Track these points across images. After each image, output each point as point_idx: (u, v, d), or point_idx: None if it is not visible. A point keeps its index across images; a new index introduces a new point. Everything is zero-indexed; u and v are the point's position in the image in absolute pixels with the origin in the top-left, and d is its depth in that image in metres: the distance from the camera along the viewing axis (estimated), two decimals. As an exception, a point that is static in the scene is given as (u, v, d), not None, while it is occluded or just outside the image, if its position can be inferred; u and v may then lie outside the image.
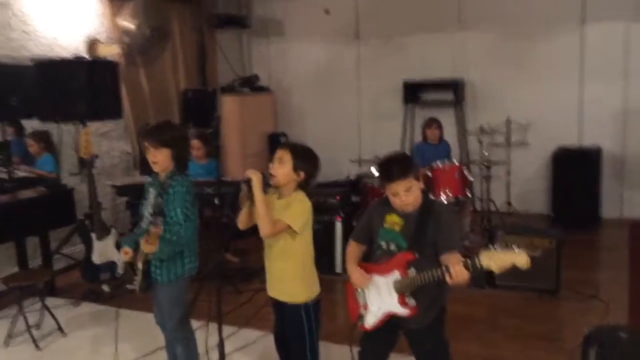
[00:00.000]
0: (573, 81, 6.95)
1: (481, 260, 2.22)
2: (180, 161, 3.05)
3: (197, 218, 3.13)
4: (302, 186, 2.79)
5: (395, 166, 2.50)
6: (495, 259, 2.19)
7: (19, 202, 4.75)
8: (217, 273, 2.68)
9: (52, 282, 4.95)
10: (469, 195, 5.58)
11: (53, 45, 5.69)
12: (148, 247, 2.77)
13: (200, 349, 3.21)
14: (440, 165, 5.53)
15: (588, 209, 6.52)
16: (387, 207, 2.61)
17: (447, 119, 7.20)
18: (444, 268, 2.31)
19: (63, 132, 5.58)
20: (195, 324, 3.21)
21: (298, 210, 2.73)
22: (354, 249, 2.74)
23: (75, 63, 4.88)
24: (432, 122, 6.17)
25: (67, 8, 5.80)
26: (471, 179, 5.64)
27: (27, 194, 4.85)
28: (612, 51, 6.69)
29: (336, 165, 7.44)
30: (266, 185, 2.72)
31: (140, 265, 2.95)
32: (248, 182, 2.68)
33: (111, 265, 4.82)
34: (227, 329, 4.14)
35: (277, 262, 2.83)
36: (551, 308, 4.44)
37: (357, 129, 8.20)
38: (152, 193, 3.06)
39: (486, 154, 6.06)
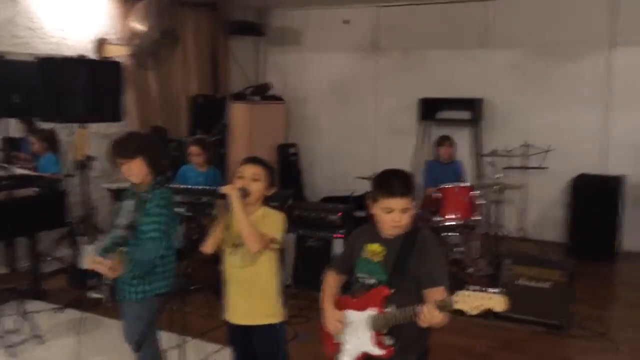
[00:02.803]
0: (598, 107, 6.67)
1: (454, 301, 1.99)
2: (156, 167, 2.90)
3: (175, 232, 2.98)
4: (268, 200, 2.70)
5: (397, 181, 2.26)
6: (469, 301, 1.96)
7: (10, 201, 4.65)
8: (181, 292, 2.49)
9: (37, 285, 4.82)
10: (478, 218, 5.30)
11: (60, 44, 5.61)
12: (111, 273, 2.64)
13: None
14: (449, 186, 5.29)
15: (607, 240, 6.20)
16: (368, 235, 2.39)
17: (463, 138, 6.97)
18: (416, 308, 2.08)
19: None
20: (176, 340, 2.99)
21: (277, 222, 2.64)
22: (332, 281, 2.51)
23: (77, 62, 4.80)
24: (445, 140, 5.95)
25: (76, 6, 5.73)
26: (481, 202, 5.37)
27: (19, 193, 4.74)
28: (640, 77, 6.40)
29: (346, 181, 7.25)
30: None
31: (106, 278, 2.80)
32: (224, 197, 2.51)
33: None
34: (208, 347, 4.01)
35: (253, 282, 2.66)
36: (557, 345, 4.15)
37: (371, 144, 7.98)
38: (128, 204, 2.92)
39: (498, 176, 5.78)
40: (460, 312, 2.00)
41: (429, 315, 2.03)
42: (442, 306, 2.02)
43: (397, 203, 2.23)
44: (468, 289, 1.98)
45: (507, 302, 1.92)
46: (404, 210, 2.24)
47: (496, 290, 1.95)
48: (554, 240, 6.70)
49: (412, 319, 2.09)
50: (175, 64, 6.80)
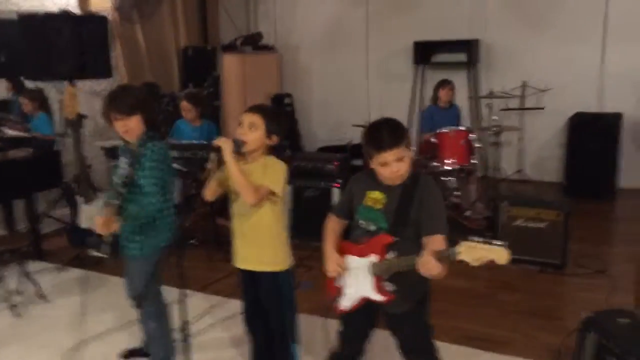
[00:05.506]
0: (595, 44, 6.56)
1: (458, 251, 1.99)
2: (151, 123, 2.85)
3: (173, 186, 2.96)
4: (272, 150, 2.63)
5: (386, 133, 2.22)
6: (473, 252, 1.96)
7: (6, 163, 4.62)
8: (180, 246, 2.48)
9: (38, 246, 4.84)
10: (475, 162, 5.29)
11: (44, -1, 5.45)
12: (105, 229, 2.62)
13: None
14: (445, 131, 5.25)
15: (604, 178, 6.22)
16: (368, 182, 2.37)
17: (459, 82, 6.85)
18: (416, 258, 2.09)
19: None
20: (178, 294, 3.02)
21: (277, 174, 2.59)
22: (334, 225, 2.51)
23: (60, 17, 4.60)
24: (446, 84, 5.84)
25: (57, -41, 5.54)
26: (478, 145, 5.34)
27: (13, 154, 4.71)
28: (639, 12, 6.24)
29: (342, 129, 7.22)
30: (236, 153, 2.51)
31: (106, 235, 2.79)
32: (218, 150, 2.47)
33: (99, 230, 4.67)
34: (212, 299, 4.07)
35: (257, 231, 2.65)
36: (555, 284, 4.21)
37: (365, 90, 7.89)
38: (123, 161, 2.88)
39: (495, 118, 5.74)
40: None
41: (426, 265, 2.03)
42: (444, 257, 2.02)
43: (390, 155, 2.20)
44: (472, 240, 1.97)
45: (510, 254, 1.92)
46: (399, 159, 2.21)
47: (499, 242, 1.94)
48: (552, 181, 6.72)
49: (414, 267, 2.10)
50: (163, 15, 6.63)
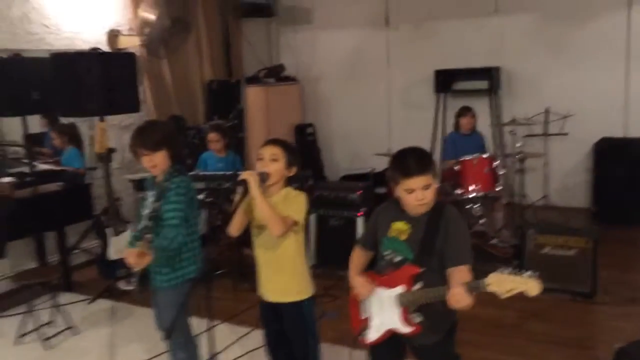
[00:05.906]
0: (618, 68, 6.52)
1: (488, 283, 1.98)
2: (177, 157, 2.92)
3: (197, 218, 3.01)
4: (290, 181, 2.70)
5: (413, 160, 2.25)
6: (503, 284, 1.95)
7: (38, 197, 4.74)
8: (208, 278, 2.51)
9: (68, 278, 4.93)
10: (499, 190, 5.26)
11: (74, 38, 5.64)
12: (139, 263, 2.66)
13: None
14: (469, 159, 5.25)
15: (633, 203, 6.10)
16: (393, 212, 2.39)
17: (481, 109, 6.87)
18: (445, 290, 2.09)
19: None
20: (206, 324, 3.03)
21: (299, 204, 2.64)
22: (359, 257, 2.54)
23: (90, 56, 4.79)
24: (467, 111, 5.88)
25: (88, 0, 5.74)
26: (501, 172, 5.32)
27: (45, 188, 4.83)
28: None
29: (364, 158, 7.27)
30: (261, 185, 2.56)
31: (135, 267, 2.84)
32: (244, 184, 2.52)
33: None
34: (240, 330, 4.08)
35: (282, 261, 2.69)
36: (585, 313, 4.14)
37: (386, 119, 7.94)
38: (150, 195, 2.95)
39: (518, 145, 5.72)
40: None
41: (456, 297, 2.03)
42: (474, 288, 2.02)
43: (416, 182, 2.22)
44: (502, 272, 1.96)
45: (541, 286, 1.90)
46: (425, 187, 2.23)
47: (529, 273, 1.92)
48: (578, 206, 6.63)
49: (442, 299, 2.10)
50: (188, 50, 6.80)
